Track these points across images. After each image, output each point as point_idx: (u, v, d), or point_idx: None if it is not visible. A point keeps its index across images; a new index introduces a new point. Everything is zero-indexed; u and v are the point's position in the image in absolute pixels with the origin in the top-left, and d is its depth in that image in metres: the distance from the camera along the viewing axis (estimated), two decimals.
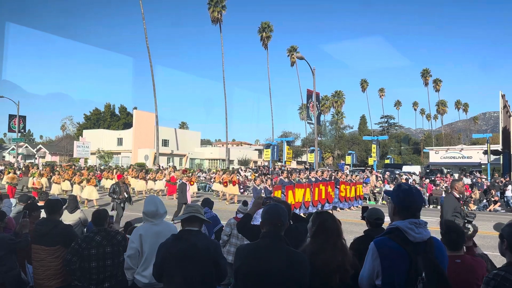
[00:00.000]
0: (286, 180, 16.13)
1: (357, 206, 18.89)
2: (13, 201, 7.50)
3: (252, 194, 15.02)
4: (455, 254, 3.33)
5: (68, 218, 6.14)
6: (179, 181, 19.19)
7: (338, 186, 18.00)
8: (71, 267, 4.03)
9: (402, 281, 2.43)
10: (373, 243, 2.57)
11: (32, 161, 52.18)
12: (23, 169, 26.76)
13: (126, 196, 12.36)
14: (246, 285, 2.70)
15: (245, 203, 7.01)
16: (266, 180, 15.27)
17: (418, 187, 20.92)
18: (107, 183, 23.20)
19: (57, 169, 24.72)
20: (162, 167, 34.97)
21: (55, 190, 19.79)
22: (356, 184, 19.72)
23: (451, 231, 3.40)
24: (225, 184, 21.02)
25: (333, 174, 20.13)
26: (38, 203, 5.81)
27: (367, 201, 22.18)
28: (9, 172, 20.17)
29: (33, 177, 20.40)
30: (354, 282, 2.81)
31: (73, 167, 28.49)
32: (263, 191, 14.49)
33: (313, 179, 17.32)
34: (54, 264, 4.31)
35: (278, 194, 14.02)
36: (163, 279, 3.26)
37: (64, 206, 5.47)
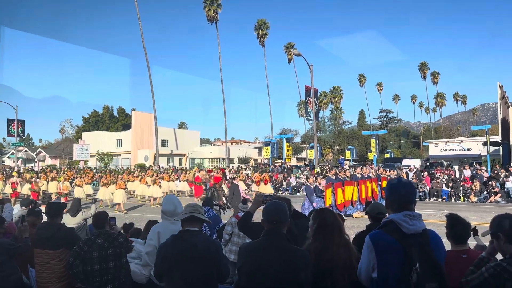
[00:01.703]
0: (334, 177, 15.54)
1: None
2: (17, 206, 7.50)
3: (305, 193, 14.09)
4: (461, 248, 3.23)
5: (70, 221, 6.15)
6: (229, 181, 18.75)
7: (380, 183, 17.34)
8: (73, 270, 4.04)
9: (396, 273, 2.46)
10: (368, 237, 2.63)
11: (32, 165, 52.19)
12: (40, 173, 26.39)
13: (225, 201, 11.07)
14: (249, 283, 2.71)
15: (244, 201, 7.05)
16: (316, 179, 14.40)
17: (413, 181, 20.97)
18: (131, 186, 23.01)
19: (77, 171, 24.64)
20: (163, 167, 34.99)
21: (78, 194, 19.00)
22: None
23: (456, 223, 3.30)
24: (258, 183, 20.45)
25: (374, 170, 19.31)
26: (40, 207, 5.82)
27: None
28: (31, 177, 19.77)
29: (58, 182, 19.79)
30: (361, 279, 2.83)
31: (95, 170, 28.01)
32: (314, 190, 13.80)
33: (359, 176, 16.64)
34: (58, 267, 4.33)
35: (329, 192, 13.52)
36: (164, 279, 3.26)
37: (65, 210, 5.48)
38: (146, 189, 20.24)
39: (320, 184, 14.05)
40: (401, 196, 2.63)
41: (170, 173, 25.59)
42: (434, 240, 2.58)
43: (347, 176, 17.11)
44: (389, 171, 21.76)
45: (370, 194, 16.01)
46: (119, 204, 17.34)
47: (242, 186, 18.30)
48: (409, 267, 2.44)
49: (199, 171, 24.56)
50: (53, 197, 19.85)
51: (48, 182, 21.00)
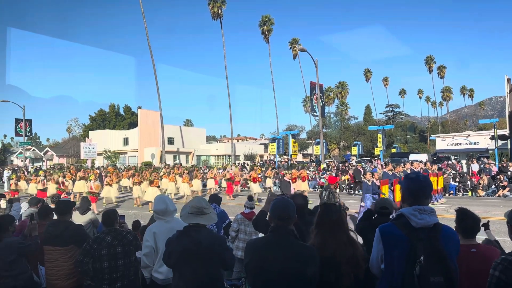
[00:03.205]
0: (390, 173, 15.13)
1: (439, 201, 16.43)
2: (24, 204, 7.57)
3: (361, 192, 13.12)
4: (470, 243, 3.20)
5: (79, 219, 6.20)
6: (277, 178, 18.35)
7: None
8: (83, 268, 4.08)
9: (401, 265, 2.48)
10: (378, 229, 2.68)
11: (40, 164, 52.61)
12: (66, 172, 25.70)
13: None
14: (257, 279, 2.72)
15: (250, 198, 7.04)
16: (373, 174, 13.44)
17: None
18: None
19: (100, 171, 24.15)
20: (169, 165, 35.11)
21: (107, 193, 18.59)
22: (438, 175, 17.68)
23: (466, 218, 3.27)
24: (294, 180, 19.34)
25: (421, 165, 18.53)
26: (50, 206, 5.87)
27: None
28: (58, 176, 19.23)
29: (89, 181, 18.86)
30: (367, 277, 2.83)
31: (133, 168, 27.12)
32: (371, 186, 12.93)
33: (409, 171, 15.58)
34: (67, 264, 4.38)
35: (385, 189, 12.99)
36: (173, 272, 3.36)
37: (75, 207, 5.53)
38: (177, 187, 20.03)
39: (369, 180, 12.96)
40: (416, 190, 2.66)
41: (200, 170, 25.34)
42: (445, 234, 2.56)
43: (401, 172, 16.33)
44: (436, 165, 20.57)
45: None
46: (151, 202, 17.22)
47: (293, 184, 17.67)
48: (413, 259, 2.45)
49: (232, 168, 24.29)
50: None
51: (74, 181, 20.79)
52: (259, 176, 21.87)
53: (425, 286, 2.41)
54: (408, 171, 15.81)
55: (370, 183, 12.75)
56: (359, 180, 21.70)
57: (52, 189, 18.13)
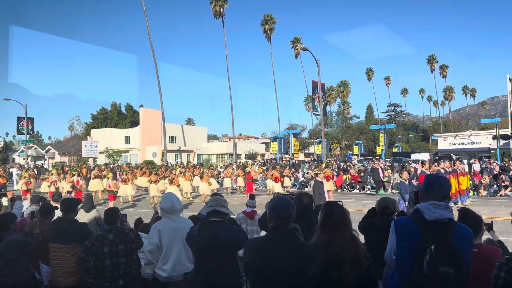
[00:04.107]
0: (428, 172, 14.35)
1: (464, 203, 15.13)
2: (26, 202, 7.59)
3: (399, 192, 11.79)
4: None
5: (83, 217, 6.21)
6: (313, 178, 17.48)
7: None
8: (85, 266, 4.09)
9: (411, 254, 2.52)
10: (393, 222, 2.77)
11: (42, 162, 52.71)
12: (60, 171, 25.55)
13: None
14: (257, 279, 2.72)
15: (252, 196, 7.04)
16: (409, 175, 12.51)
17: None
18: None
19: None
20: (171, 164, 35.12)
21: (124, 192, 18.24)
22: (465, 174, 16.91)
23: (467, 217, 3.28)
24: (328, 179, 18.08)
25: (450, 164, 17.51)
26: (51, 204, 5.88)
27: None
28: (100, 177, 18.60)
29: (107, 179, 18.61)
30: (369, 275, 2.83)
31: (147, 166, 26.10)
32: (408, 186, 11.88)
33: (442, 171, 15.24)
34: (71, 262, 4.41)
35: None
36: (194, 262, 3.63)
37: (80, 205, 5.55)
38: (192, 186, 19.66)
39: (406, 180, 11.53)
40: (438, 190, 2.71)
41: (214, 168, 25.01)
42: (459, 231, 2.57)
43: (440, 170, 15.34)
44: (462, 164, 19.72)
45: (457, 189, 14.58)
46: (155, 195, 17.21)
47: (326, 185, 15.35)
48: (423, 250, 2.48)
49: (251, 167, 23.60)
50: (100, 195, 19.53)
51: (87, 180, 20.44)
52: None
53: (433, 274, 2.43)
54: (442, 170, 15.07)
55: (407, 183, 11.59)
56: (378, 179, 21.53)
57: (66, 188, 17.50)
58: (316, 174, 16.30)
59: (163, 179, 19.13)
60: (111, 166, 29.65)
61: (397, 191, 15.30)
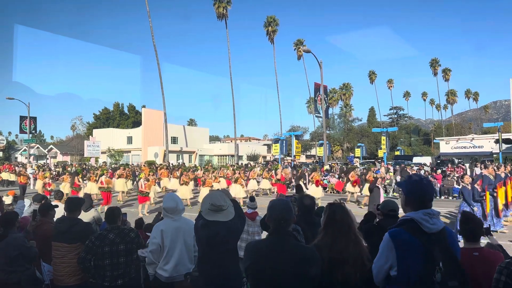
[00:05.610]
0: (491, 177, 12.22)
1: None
2: (27, 201, 7.61)
3: (463, 196, 10.85)
4: (473, 246, 3.20)
5: (82, 216, 6.22)
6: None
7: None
8: (85, 265, 4.10)
9: (417, 271, 2.43)
10: (388, 234, 2.57)
11: (44, 161, 52.81)
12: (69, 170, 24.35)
13: None
14: (257, 282, 2.71)
15: (252, 198, 7.06)
16: (472, 180, 11.15)
17: (430, 178, 20.67)
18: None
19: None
20: (172, 164, 35.12)
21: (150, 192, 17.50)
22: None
23: (469, 221, 3.28)
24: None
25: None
26: (52, 202, 5.90)
27: None
28: (98, 175, 17.91)
29: (140, 179, 17.32)
30: (371, 277, 2.81)
31: (182, 166, 25.59)
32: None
33: (502, 175, 13.15)
34: (73, 261, 4.40)
35: (500, 192, 11.32)
36: (198, 257, 3.68)
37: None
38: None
39: (468, 184, 10.93)
40: (423, 193, 2.60)
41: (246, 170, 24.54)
42: (450, 238, 2.56)
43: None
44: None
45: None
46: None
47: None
48: (432, 266, 2.41)
49: (282, 169, 22.41)
50: (121, 197, 19.42)
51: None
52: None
53: None
54: (502, 174, 13.40)
55: (470, 188, 10.83)
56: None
57: (94, 188, 17.32)
58: (376, 179, 14.33)
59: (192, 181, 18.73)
60: (130, 165, 28.83)
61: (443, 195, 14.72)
